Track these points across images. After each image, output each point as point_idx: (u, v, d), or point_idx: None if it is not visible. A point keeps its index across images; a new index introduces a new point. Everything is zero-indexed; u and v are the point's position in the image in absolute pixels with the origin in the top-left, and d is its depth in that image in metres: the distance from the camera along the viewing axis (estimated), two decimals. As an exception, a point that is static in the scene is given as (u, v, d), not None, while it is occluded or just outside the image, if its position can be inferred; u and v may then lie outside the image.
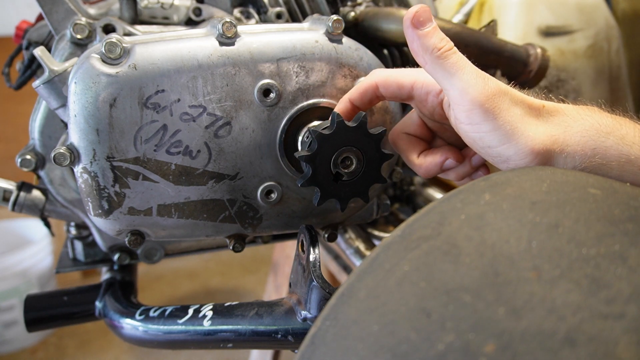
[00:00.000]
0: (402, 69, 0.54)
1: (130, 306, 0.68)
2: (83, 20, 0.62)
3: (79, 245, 0.74)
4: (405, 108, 0.66)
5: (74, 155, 0.52)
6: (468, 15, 0.92)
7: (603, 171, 0.43)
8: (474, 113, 0.44)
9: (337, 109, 0.55)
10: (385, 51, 0.74)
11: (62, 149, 0.52)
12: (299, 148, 0.57)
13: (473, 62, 0.47)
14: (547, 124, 0.45)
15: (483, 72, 0.46)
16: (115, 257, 0.71)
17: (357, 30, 0.71)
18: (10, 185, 0.68)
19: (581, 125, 0.45)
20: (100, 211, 0.55)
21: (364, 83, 0.54)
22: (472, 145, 0.48)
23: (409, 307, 0.27)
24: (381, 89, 0.53)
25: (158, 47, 0.53)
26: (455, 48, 0.46)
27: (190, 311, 0.61)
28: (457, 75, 0.45)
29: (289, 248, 1.38)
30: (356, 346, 0.26)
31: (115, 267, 0.76)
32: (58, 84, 0.55)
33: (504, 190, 0.34)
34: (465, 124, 0.46)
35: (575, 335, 0.24)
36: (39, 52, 0.55)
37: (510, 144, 0.44)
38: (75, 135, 0.52)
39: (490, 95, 0.44)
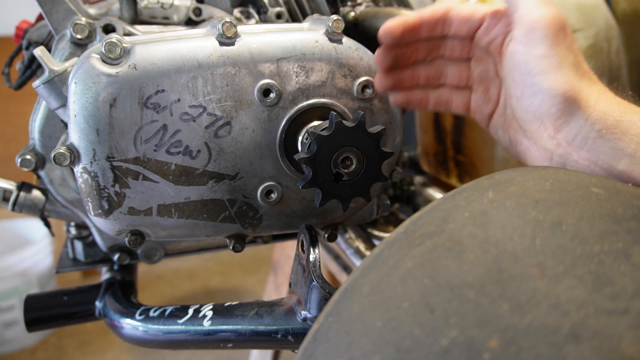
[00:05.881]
0: None
1: (130, 306, 0.68)
2: (83, 20, 0.62)
3: (79, 245, 0.74)
4: (405, 112, 0.66)
5: (74, 155, 0.52)
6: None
7: (619, 147, 0.43)
8: (535, 33, 0.46)
9: (397, 20, 0.53)
10: (385, 51, 0.74)
11: (62, 149, 0.52)
12: (299, 149, 0.57)
13: None
14: (586, 82, 0.46)
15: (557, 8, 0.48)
16: (115, 257, 0.71)
17: (357, 30, 0.71)
18: (10, 185, 0.68)
19: (613, 98, 0.46)
20: (100, 211, 0.55)
21: (436, 6, 0.54)
22: (510, 71, 0.49)
23: (413, 302, 0.27)
24: (453, 13, 0.53)
25: (158, 47, 0.53)
26: None
27: (190, 311, 0.61)
28: None
29: (289, 248, 1.38)
30: (360, 341, 0.26)
31: (115, 267, 0.76)
32: (58, 84, 0.55)
33: (508, 188, 0.35)
34: (521, 43, 0.47)
35: (579, 331, 0.24)
36: (39, 52, 0.55)
37: (550, 76, 0.45)
38: (75, 135, 0.52)
39: (556, 23, 0.46)
